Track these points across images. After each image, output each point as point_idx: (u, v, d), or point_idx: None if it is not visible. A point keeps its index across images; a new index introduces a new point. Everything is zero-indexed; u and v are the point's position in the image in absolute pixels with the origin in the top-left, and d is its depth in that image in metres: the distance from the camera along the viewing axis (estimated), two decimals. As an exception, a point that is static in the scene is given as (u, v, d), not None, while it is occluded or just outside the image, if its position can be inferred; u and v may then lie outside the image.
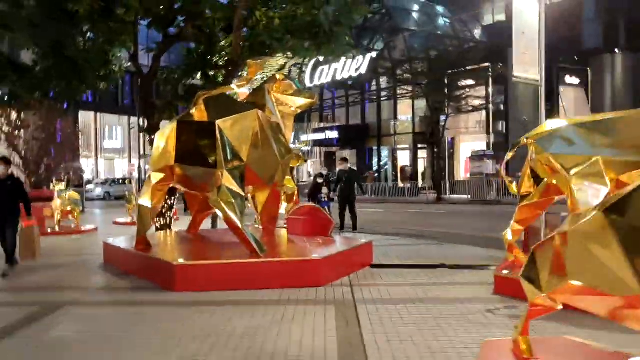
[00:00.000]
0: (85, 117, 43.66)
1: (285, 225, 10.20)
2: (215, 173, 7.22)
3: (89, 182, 38.39)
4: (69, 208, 15.46)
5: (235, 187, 7.25)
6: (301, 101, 9.41)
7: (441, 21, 38.64)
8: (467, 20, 38.23)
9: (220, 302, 6.26)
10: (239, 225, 7.09)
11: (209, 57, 12.35)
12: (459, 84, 30.30)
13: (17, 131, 22.65)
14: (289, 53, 11.95)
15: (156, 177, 7.89)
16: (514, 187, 6.80)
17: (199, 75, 12.45)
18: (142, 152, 37.09)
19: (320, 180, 13.19)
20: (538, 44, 7.13)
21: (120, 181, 40.71)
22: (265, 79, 10.52)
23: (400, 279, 7.43)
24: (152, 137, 11.53)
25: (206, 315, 5.69)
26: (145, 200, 7.98)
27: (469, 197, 26.88)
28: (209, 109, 7.56)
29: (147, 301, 6.45)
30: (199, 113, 7.50)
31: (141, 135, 41.71)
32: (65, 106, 25.52)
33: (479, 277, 7.55)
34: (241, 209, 7.20)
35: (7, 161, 8.47)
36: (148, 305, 6.28)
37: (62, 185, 15.63)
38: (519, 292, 6.27)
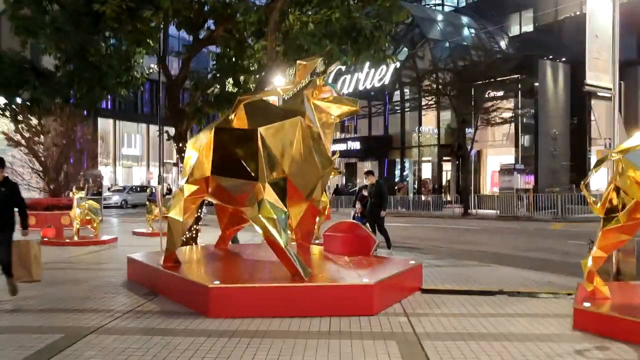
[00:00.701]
0: (104, 124, 43.44)
1: (320, 243, 9.48)
2: (256, 186, 6.51)
3: (107, 189, 38.03)
4: (88, 217, 14.87)
5: (278, 202, 6.54)
6: (343, 109, 8.68)
7: (467, 32, 37.82)
8: (493, 32, 37.39)
9: (262, 332, 5.52)
10: (282, 244, 6.36)
11: (239, 61, 11.71)
12: (487, 96, 29.44)
13: (37, 137, 22.27)
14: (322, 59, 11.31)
15: (189, 189, 7.19)
16: (597, 207, 5.99)
17: (230, 81, 11.80)
18: (161, 160, 36.58)
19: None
20: (611, 48, 6.47)
21: (138, 189, 40.23)
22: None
23: (460, 307, 6.63)
24: (180, 145, 10.90)
25: (249, 350, 4.96)
26: (176, 214, 7.28)
27: (498, 212, 25.92)
28: (249, 116, 6.86)
29: (180, 330, 5.71)
30: (238, 120, 6.80)
31: (162, 143, 41.46)
32: (85, 113, 25.18)
33: (547, 307, 6.74)
34: (284, 225, 6.48)
35: (0, 163, 7.12)
36: (180, 335, 5.54)
37: (82, 194, 15.01)
38: (605, 329, 5.53)
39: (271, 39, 10.21)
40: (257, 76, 11.78)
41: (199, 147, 7.24)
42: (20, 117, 22.83)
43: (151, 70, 27.22)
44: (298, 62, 6.95)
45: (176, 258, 7.66)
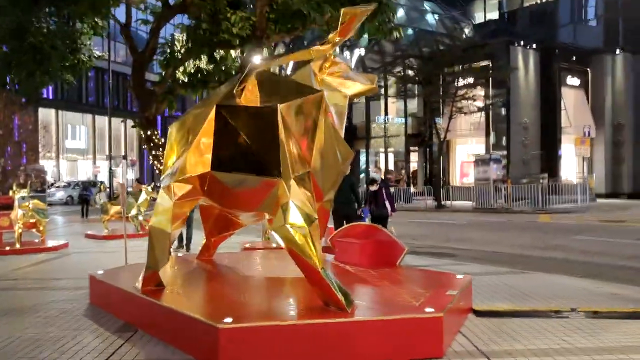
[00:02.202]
0: (46, 115, 40.11)
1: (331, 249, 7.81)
2: (278, 184, 4.77)
3: (51, 184, 34.99)
4: (32, 220, 12.65)
5: (306, 205, 4.82)
6: (357, 87, 6.97)
7: (431, 17, 36.69)
8: (458, 18, 36.44)
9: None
10: (317, 265, 4.66)
11: (216, 34, 9.83)
12: (457, 84, 28.38)
13: (-32, 127, 19.59)
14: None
15: (179, 189, 5.36)
16: None
17: (204, 57, 9.92)
18: (110, 153, 33.92)
19: (374, 188, 10.52)
20: None
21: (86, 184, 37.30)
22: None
23: (543, 338, 5.10)
24: (149, 133, 8.98)
25: None
26: (162, 223, 5.44)
27: (473, 204, 24.89)
28: (263, 88, 5.11)
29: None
30: (249, 94, 5.02)
31: (111, 135, 38.56)
32: (24, 100, 22.52)
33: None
34: (317, 238, 4.77)
35: None
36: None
37: (24, 192, 12.75)
38: None
39: (261, 4, 8.41)
40: (238, 52, 9.95)
41: (190, 133, 5.44)
42: (-53, 105, 20.11)
43: (101, 54, 24.60)
44: (343, 10, 5.16)
45: (158, 280, 5.82)
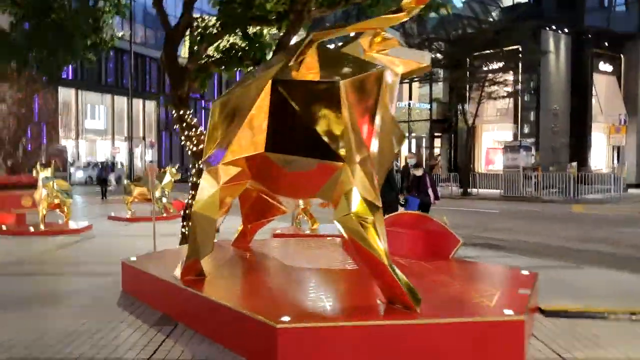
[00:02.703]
0: (66, 95, 39.90)
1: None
2: (341, 169, 4.26)
3: (70, 164, 34.88)
4: (56, 201, 12.33)
5: (371, 193, 4.32)
6: (410, 65, 6.40)
7: (457, 1, 35.68)
8: (486, 1, 35.36)
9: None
10: (383, 258, 4.16)
11: (251, 8, 9.29)
12: (484, 69, 27.55)
13: (-10, 106, 19.29)
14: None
15: (226, 173, 4.87)
16: None
17: (238, 33, 9.39)
18: (130, 134, 33.64)
19: (419, 173, 9.86)
20: None
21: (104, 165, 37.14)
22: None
23: (625, 342, 4.59)
24: (181, 112, 8.51)
25: None
26: (207, 209, 4.97)
27: (501, 191, 24.22)
28: (323, 62, 4.60)
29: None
30: (307, 68, 4.51)
31: (132, 115, 38.24)
32: (45, 79, 22.17)
33: None
34: (382, 228, 4.27)
35: None
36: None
37: (48, 172, 12.41)
38: None
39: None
40: (275, 28, 9.42)
41: (238, 111, 4.95)
42: (-31, 83, 19.82)
43: (123, 34, 24.19)
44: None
45: (200, 269, 5.39)
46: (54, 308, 5.72)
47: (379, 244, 4.17)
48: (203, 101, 55.15)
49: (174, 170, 15.77)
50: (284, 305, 4.46)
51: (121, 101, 46.47)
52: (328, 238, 8.33)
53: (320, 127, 4.30)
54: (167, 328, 4.98)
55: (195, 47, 8.58)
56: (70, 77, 41.37)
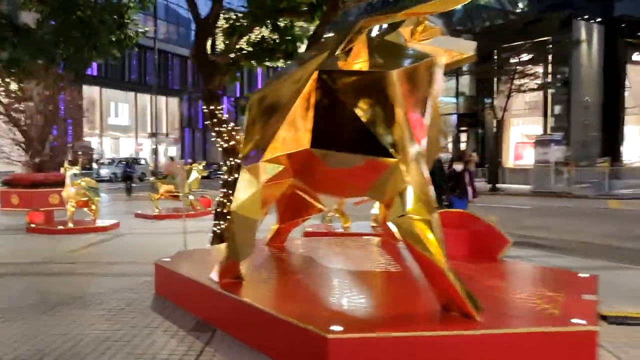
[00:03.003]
0: (90, 92, 40.13)
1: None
2: (394, 167, 3.94)
3: (95, 161, 35.05)
4: (84, 198, 12.21)
5: (426, 192, 4.00)
6: (454, 55, 6.03)
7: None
8: (512, -9, 34.66)
9: None
10: (442, 262, 3.84)
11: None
12: (512, 61, 26.88)
13: (18, 103, 19.31)
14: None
15: (268, 171, 4.58)
16: None
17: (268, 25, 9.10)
18: (156, 131, 33.68)
19: (460, 167, 9.40)
20: None
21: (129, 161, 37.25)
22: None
23: None
24: (212, 107, 8.26)
25: None
26: (248, 209, 4.68)
27: (532, 187, 23.62)
28: (372, 50, 4.28)
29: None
30: (356, 57, 4.19)
31: (156, 112, 38.33)
32: (71, 77, 22.15)
33: None
34: (439, 230, 3.95)
35: None
36: None
37: (76, 169, 12.30)
38: None
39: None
40: (306, 23, 9.13)
41: (279, 105, 4.65)
42: (-3, 81, 19.89)
43: (147, 30, 24.06)
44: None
45: (238, 272, 5.12)
46: (85, 312, 5.50)
47: (437, 247, 3.85)
48: (225, 97, 55.18)
49: (200, 167, 15.61)
50: (332, 312, 4.16)
51: (144, 98, 46.70)
52: (364, 237, 8.01)
53: (371, 121, 3.98)
54: (205, 335, 4.73)
55: (226, 41, 8.31)
56: (94, 74, 41.61)
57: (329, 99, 4.14)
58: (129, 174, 23.82)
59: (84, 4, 19.73)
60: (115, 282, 6.81)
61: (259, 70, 9.98)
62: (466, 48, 6.17)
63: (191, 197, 14.79)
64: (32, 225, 11.89)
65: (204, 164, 16.61)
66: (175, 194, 14.77)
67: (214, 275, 5.19)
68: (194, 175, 14.93)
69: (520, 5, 34.81)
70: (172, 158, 28.71)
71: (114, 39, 21.97)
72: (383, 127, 3.95)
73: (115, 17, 20.83)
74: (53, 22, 20.03)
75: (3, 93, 19.53)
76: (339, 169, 4.33)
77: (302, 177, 4.72)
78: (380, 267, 5.79)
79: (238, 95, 50.93)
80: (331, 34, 7.19)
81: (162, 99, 47.24)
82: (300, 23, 9.28)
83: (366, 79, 4.04)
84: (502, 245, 6.17)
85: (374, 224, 10.26)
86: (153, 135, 43.03)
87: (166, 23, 50.54)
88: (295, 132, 4.35)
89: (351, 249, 6.90)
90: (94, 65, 40.66)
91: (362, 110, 4.00)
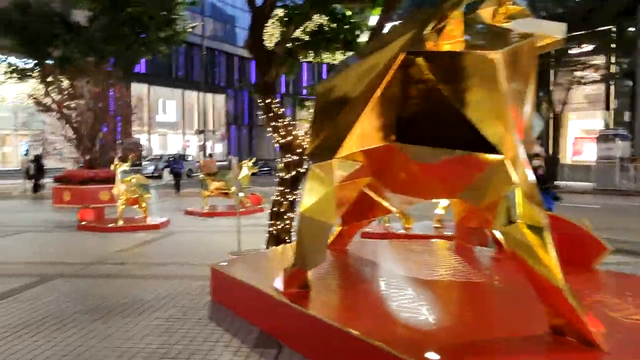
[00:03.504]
0: (138, 89, 40.53)
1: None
2: (497, 165, 3.33)
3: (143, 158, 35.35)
4: (134, 195, 11.97)
5: (537, 196, 3.38)
6: (544, 39, 5.33)
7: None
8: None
9: None
10: (558, 279, 3.21)
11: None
12: (572, 52, 25.47)
13: (69, 101, 19.43)
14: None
15: (343, 169, 4.03)
16: None
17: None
18: (205, 127, 33.69)
19: (538, 163, 8.70)
20: None
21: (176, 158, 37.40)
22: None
23: None
24: (269, 100, 7.78)
25: None
26: (319, 210, 4.13)
27: (594, 184, 22.35)
28: (469, 31, 3.67)
29: None
30: (449, 37, 3.59)
31: (203, 109, 38.32)
32: (119, 74, 22.21)
33: None
34: (551, 240, 3.32)
35: None
36: None
37: (126, 166, 12.07)
38: None
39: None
40: (366, 11, 8.57)
41: (355, 94, 4.09)
42: (50, 79, 20.07)
43: (195, 26, 24.02)
44: None
45: (305, 281, 4.60)
46: (139, 321, 5.09)
47: (553, 261, 3.23)
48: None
49: (250, 163, 15.24)
50: (421, 333, 3.58)
51: (191, 95, 46.99)
52: (432, 240, 7.38)
53: (472, 111, 3.37)
54: (270, 352, 4.23)
55: (284, 30, 7.81)
56: (142, 72, 42.04)
57: (419, 85, 3.55)
58: (177, 171, 23.62)
59: (135, 0, 19.73)
60: (169, 286, 6.41)
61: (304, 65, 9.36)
62: (554, 30, 5.43)
63: (241, 194, 14.40)
64: (83, 223, 11.71)
65: (253, 160, 16.23)
66: (225, 191, 14.44)
67: (278, 284, 4.70)
68: (244, 171, 14.56)
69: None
70: (210, 155, 28.54)
71: (162, 35, 21.98)
72: (486, 117, 3.34)
73: (164, 13, 20.83)
74: (103, 19, 20.12)
75: (55, 90, 19.72)
76: (427, 167, 3.74)
77: (381, 176, 4.15)
78: (460, 277, 5.16)
79: (283, 91, 50.64)
80: (394, 23, 6.59)
81: (208, 96, 47.45)
82: (355, 10, 8.72)
83: (468, 61, 3.42)
84: (599, 253, 5.46)
85: (436, 225, 9.61)
86: (200, 132, 43.23)
87: (212, 20, 50.70)
88: (375, 125, 3.78)
89: (421, 253, 6.28)
90: (142, 62, 41.10)
91: (461, 98, 3.40)
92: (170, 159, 31.48)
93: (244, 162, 15.20)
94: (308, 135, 7.75)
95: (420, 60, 3.54)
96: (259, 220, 12.83)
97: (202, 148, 33.15)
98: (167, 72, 45.44)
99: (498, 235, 3.41)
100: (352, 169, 3.98)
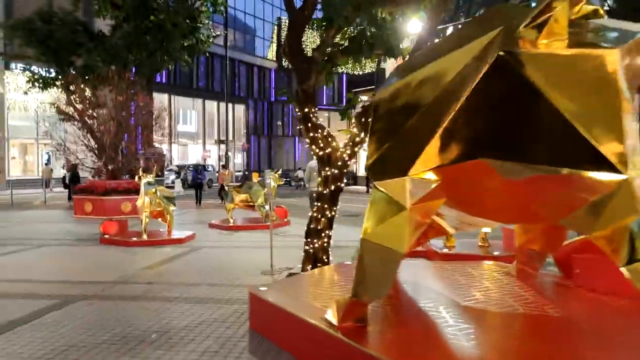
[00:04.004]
0: (159, 99, 40.39)
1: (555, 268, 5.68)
2: (620, 187, 2.73)
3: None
4: (159, 208, 11.50)
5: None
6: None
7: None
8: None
9: None
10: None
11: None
12: None
13: (91, 110, 19.17)
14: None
15: (419, 188, 3.45)
16: None
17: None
18: (227, 138, 33.40)
19: None
20: None
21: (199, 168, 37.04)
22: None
23: None
24: (306, 110, 7.25)
25: None
26: (391, 238, 3.55)
27: None
28: (577, 25, 3.11)
29: None
30: (551, 35, 3.00)
31: (225, 119, 37.97)
32: (143, 82, 21.94)
33: None
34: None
35: None
36: None
37: (151, 177, 11.61)
38: None
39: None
40: (402, 14, 8.05)
41: (425, 101, 3.53)
42: (72, 87, 19.85)
43: (219, 33, 23.74)
44: None
45: (363, 315, 4.02)
46: (172, 354, 4.54)
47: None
48: (291, 105, 54.70)
49: (276, 175, 14.75)
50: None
51: (212, 105, 46.83)
52: (486, 262, 6.73)
53: (586, 120, 2.78)
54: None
55: (323, 35, 7.29)
56: (164, 82, 41.95)
57: (517, 90, 2.96)
58: (199, 182, 22.89)
59: (158, 8, 19.46)
60: (201, 312, 5.87)
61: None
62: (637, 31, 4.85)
63: (267, 207, 13.89)
64: (106, 236, 11.26)
65: (279, 172, 15.75)
66: (251, 203, 13.94)
67: (331, 316, 4.13)
68: (270, 184, 14.04)
69: None
70: (224, 166, 28.08)
71: (186, 43, 21.68)
72: (605, 128, 2.75)
73: (187, 20, 20.54)
74: (126, 28, 19.87)
75: (78, 99, 19.48)
76: (522, 187, 3.15)
77: (457, 197, 3.57)
78: (534, 309, 4.53)
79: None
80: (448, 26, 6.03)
81: (229, 106, 47.27)
82: (396, 14, 8.18)
83: (584, 61, 2.83)
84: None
85: (481, 243, 8.98)
86: (222, 142, 42.98)
87: (232, 30, 50.60)
88: (460, 137, 3.20)
89: (480, 278, 5.66)
90: (164, 72, 40.97)
91: (572, 106, 2.81)
92: (191, 169, 31.07)
93: (268, 171, 14.70)
94: (348, 148, 7.23)
95: (520, 60, 2.96)
96: (286, 234, 12.32)
97: (225, 158, 32.68)
98: (189, 82, 45.32)
99: (625, 273, 2.79)
100: (428, 189, 3.40)
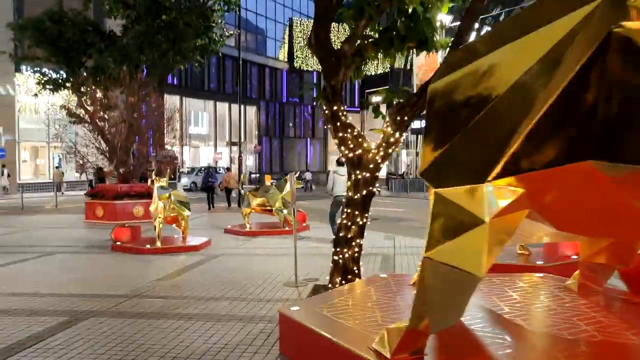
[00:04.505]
0: (171, 101, 39.94)
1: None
2: None
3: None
4: (173, 214, 10.92)
5: None
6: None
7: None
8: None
9: None
10: None
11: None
12: None
13: (102, 112, 18.68)
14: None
15: (500, 196, 2.81)
16: None
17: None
18: (240, 140, 32.93)
19: None
20: None
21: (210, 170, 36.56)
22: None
23: None
24: (335, 108, 6.65)
25: None
26: (464, 257, 2.90)
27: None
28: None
29: None
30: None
31: (239, 121, 37.47)
32: (154, 83, 21.44)
33: None
34: None
35: None
36: None
37: (164, 181, 11.04)
38: None
39: None
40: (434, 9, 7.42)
41: (496, 93, 2.91)
42: (83, 89, 19.40)
43: (232, 33, 23.26)
44: None
45: (422, 346, 3.40)
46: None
47: None
48: (303, 106, 54.15)
49: (294, 177, 14.14)
50: None
51: (223, 107, 46.37)
52: (538, 275, 6.06)
53: None
54: None
55: (352, 25, 6.68)
56: (175, 83, 41.55)
57: (633, 78, 2.33)
58: (210, 185, 22.18)
59: (170, 7, 18.96)
60: (223, 331, 5.27)
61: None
62: None
63: (285, 211, 13.30)
64: (118, 243, 10.71)
65: (297, 175, 15.14)
66: (268, 208, 13.35)
67: (381, 346, 3.51)
68: (288, 187, 13.44)
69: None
70: (228, 169, 27.51)
71: (198, 43, 21.17)
72: None
73: (200, 20, 20.03)
74: (138, 27, 19.40)
75: (89, 101, 19.01)
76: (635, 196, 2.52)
77: (546, 208, 2.93)
78: (612, 335, 3.88)
79: (315, 103, 49.73)
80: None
81: (240, 108, 46.77)
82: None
83: None
84: None
85: (520, 251, 8.32)
86: (233, 144, 42.49)
87: (244, 31, 50.14)
88: (559, 135, 2.56)
89: (538, 296, 5.01)
90: (175, 74, 40.54)
91: None
92: (204, 171, 30.48)
93: (287, 176, 14.13)
94: (381, 149, 6.62)
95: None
96: (307, 240, 11.73)
97: (238, 160, 32.20)
98: (200, 83, 44.89)
99: None
100: (512, 198, 2.77)
